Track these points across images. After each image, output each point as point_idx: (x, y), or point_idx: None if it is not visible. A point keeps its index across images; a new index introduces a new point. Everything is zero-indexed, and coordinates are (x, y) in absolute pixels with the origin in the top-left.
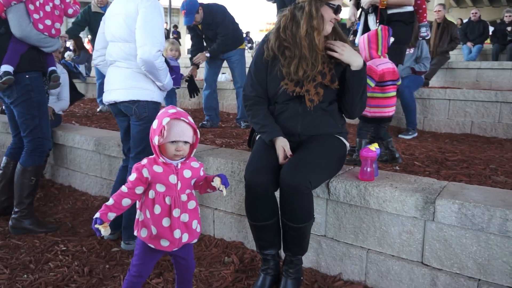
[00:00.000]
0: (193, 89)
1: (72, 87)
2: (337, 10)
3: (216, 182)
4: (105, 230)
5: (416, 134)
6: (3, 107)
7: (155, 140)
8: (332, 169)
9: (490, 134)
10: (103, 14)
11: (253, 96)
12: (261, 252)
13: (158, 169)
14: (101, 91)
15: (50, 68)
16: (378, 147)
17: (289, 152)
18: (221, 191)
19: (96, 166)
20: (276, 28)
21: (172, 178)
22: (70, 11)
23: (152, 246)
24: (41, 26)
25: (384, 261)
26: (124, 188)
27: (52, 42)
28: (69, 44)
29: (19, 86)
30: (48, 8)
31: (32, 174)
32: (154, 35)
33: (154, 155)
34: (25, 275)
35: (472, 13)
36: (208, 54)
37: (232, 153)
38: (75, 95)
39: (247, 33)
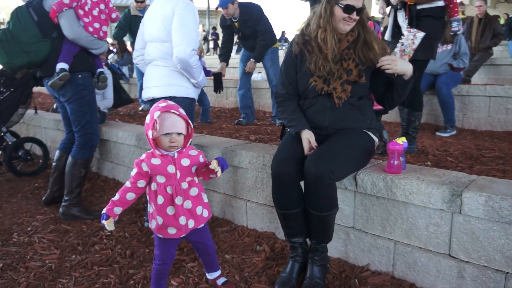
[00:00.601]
0: (218, 85)
1: (122, 91)
2: (346, 9)
3: (213, 164)
4: (109, 226)
5: (454, 132)
6: (54, 106)
7: (149, 134)
8: (357, 162)
9: None
10: (142, 17)
11: (283, 94)
12: (289, 240)
13: (156, 161)
14: (142, 90)
15: (99, 70)
16: (405, 140)
17: (314, 144)
18: (217, 171)
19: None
20: (303, 25)
21: (171, 168)
22: (113, 15)
23: (161, 236)
24: (91, 29)
25: (411, 252)
26: (127, 183)
27: (100, 44)
28: (112, 47)
29: (73, 85)
30: (95, 12)
31: (82, 166)
32: (189, 35)
33: (152, 150)
34: (73, 256)
35: None
36: (254, 60)
37: (264, 147)
38: (125, 99)
39: (283, 32)
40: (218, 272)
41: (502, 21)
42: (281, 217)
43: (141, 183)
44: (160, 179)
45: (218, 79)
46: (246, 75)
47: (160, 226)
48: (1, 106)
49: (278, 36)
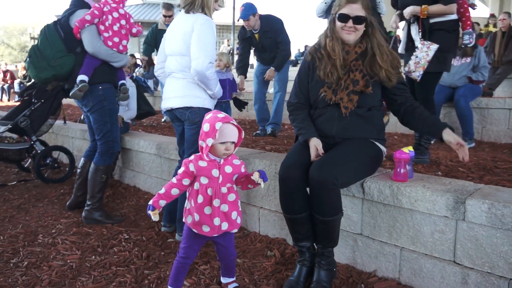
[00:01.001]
0: (240, 105)
1: (146, 103)
2: (340, 18)
3: (255, 176)
4: (155, 216)
5: (473, 145)
6: (82, 117)
7: (209, 142)
8: (362, 169)
9: None
10: None
11: (295, 103)
12: (296, 244)
13: (202, 164)
14: None
15: (120, 82)
16: (412, 149)
17: (321, 151)
18: (259, 184)
19: (157, 168)
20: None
21: (215, 172)
22: (134, 30)
23: (195, 231)
24: (110, 43)
25: (416, 259)
26: (173, 180)
27: (120, 58)
28: (139, 61)
29: (93, 96)
30: (115, 28)
31: (103, 172)
32: (206, 49)
33: (200, 153)
34: (93, 256)
35: None
36: (274, 69)
37: (277, 156)
38: (148, 111)
39: (306, 46)
40: (233, 279)
41: None
42: (289, 222)
43: (186, 181)
44: (204, 180)
45: (237, 101)
46: (261, 89)
47: (196, 222)
48: (32, 116)
49: (299, 50)
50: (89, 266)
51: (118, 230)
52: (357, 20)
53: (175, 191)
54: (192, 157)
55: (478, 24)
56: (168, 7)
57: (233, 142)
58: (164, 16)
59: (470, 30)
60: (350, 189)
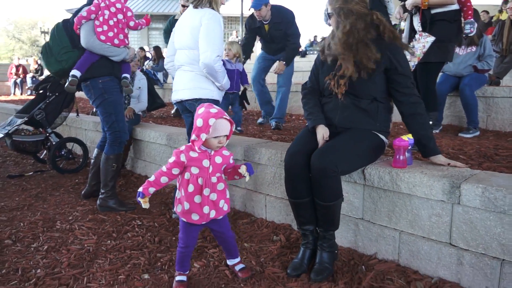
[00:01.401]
0: (244, 101)
1: (157, 96)
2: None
3: (242, 169)
4: (145, 204)
5: (478, 133)
6: (94, 109)
7: (202, 136)
8: (362, 157)
9: None
10: None
11: (309, 87)
12: (300, 228)
13: (194, 154)
14: None
15: (123, 75)
16: (411, 137)
17: (326, 137)
18: (245, 176)
19: (167, 158)
20: None
21: (205, 162)
22: (131, 23)
23: (184, 220)
24: (103, 37)
25: (415, 241)
26: (163, 168)
27: (117, 52)
28: (149, 54)
29: (95, 90)
30: (111, 22)
31: (114, 161)
32: (214, 42)
33: (190, 143)
34: (109, 241)
35: None
36: (284, 62)
37: (283, 145)
38: (158, 103)
39: (315, 37)
40: (238, 259)
41: None
42: (293, 206)
43: (175, 171)
44: (194, 170)
45: (244, 97)
46: (260, 74)
47: (186, 211)
48: (47, 109)
49: (309, 41)
50: (105, 250)
51: (131, 217)
52: (327, 16)
53: (164, 179)
54: (183, 147)
55: (488, 12)
56: None
57: (225, 136)
58: (183, 6)
59: (472, 19)
60: (351, 176)
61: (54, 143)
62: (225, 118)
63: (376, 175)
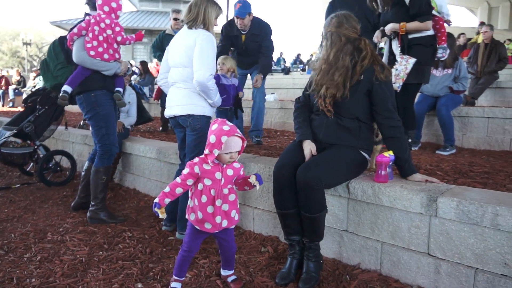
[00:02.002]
0: (236, 110)
1: (143, 110)
2: None
3: (252, 178)
4: (161, 214)
5: (454, 151)
6: (81, 122)
7: (215, 152)
8: (345, 172)
9: None
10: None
11: (302, 101)
12: (287, 238)
13: (207, 167)
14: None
15: (116, 89)
16: (392, 153)
17: (314, 152)
18: (255, 186)
19: (157, 172)
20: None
21: (218, 175)
22: (118, 38)
23: (198, 228)
24: (92, 53)
25: (395, 252)
26: (178, 179)
27: (108, 66)
28: (135, 68)
29: (87, 103)
30: (101, 38)
31: (103, 173)
32: (208, 62)
33: (203, 156)
34: (101, 252)
35: None
36: (261, 75)
37: (271, 160)
38: (146, 118)
39: (298, 55)
40: (231, 271)
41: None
42: (280, 217)
43: (190, 182)
44: (207, 181)
45: (237, 104)
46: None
47: (199, 220)
48: (36, 122)
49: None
50: (97, 260)
51: (121, 229)
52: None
53: (179, 190)
54: (196, 159)
55: (464, 34)
56: (178, 11)
57: (237, 151)
58: (174, 19)
59: (445, 45)
60: (337, 190)
61: (42, 155)
62: (237, 136)
63: (360, 189)
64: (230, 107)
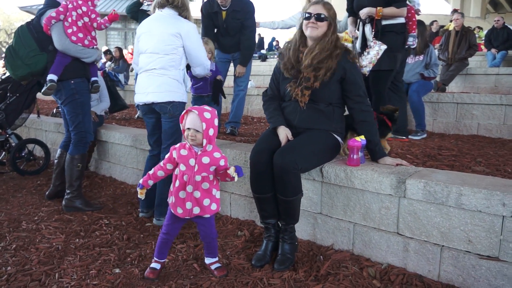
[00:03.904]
0: (215, 96)
1: (118, 97)
2: (305, 17)
3: (231, 170)
4: (140, 195)
5: (425, 135)
6: (54, 110)
7: (181, 126)
8: (320, 156)
9: (495, 135)
10: (147, 13)
11: (269, 94)
12: (263, 221)
13: (183, 152)
14: None
15: (93, 79)
16: (364, 138)
17: (290, 137)
18: (233, 177)
19: (133, 159)
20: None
21: (191, 161)
22: (94, 24)
23: (172, 211)
24: (74, 38)
25: (367, 232)
26: (161, 163)
27: (89, 53)
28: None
29: (66, 90)
30: (80, 24)
31: (79, 161)
32: (203, 54)
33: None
34: (77, 239)
35: (495, 20)
36: (242, 65)
37: (246, 146)
38: (121, 105)
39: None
40: (215, 259)
41: (482, 34)
42: (257, 201)
43: (169, 166)
44: (182, 167)
45: (216, 89)
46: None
47: (172, 204)
48: (7, 109)
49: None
50: (74, 248)
51: (98, 217)
52: (319, 17)
53: (160, 173)
54: (177, 144)
55: (437, 21)
56: None
57: (198, 131)
58: None
59: (414, 33)
60: (311, 174)
61: (14, 144)
62: (196, 113)
63: (333, 173)
64: (207, 95)
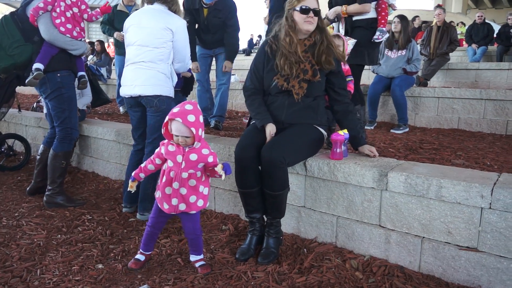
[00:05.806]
0: (188, 88)
1: (100, 91)
2: (303, 11)
3: (218, 167)
4: (130, 187)
5: (407, 129)
6: (35, 105)
7: (169, 129)
8: (306, 150)
9: (475, 129)
10: (127, 14)
11: (251, 88)
12: (248, 216)
13: (171, 148)
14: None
15: (80, 73)
16: (346, 132)
17: (273, 135)
18: (220, 175)
19: (116, 154)
20: (273, 34)
21: (179, 158)
22: (85, 16)
23: (159, 206)
24: (62, 29)
25: (350, 225)
26: (151, 157)
27: (78, 45)
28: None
29: (51, 83)
30: (68, 14)
31: (63, 158)
32: (188, 51)
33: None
34: (59, 235)
35: (478, 16)
36: (230, 60)
37: (230, 140)
38: (103, 99)
39: (251, 35)
40: (200, 256)
41: (464, 29)
42: (242, 196)
43: (158, 161)
44: (170, 163)
45: (189, 82)
46: (203, 75)
47: (159, 199)
48: None
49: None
50: (56, 244)
51: (80, 212)
52: (316, 12)
53: (150, 167)
54: (166, 140)
55: (419, 16)
56: None
57: (186, 136)
58: None
59: (383, 28)
60: (294, 168)
61: None
62: (180, 122)
63: (316, 167)
64: (180, 89)
